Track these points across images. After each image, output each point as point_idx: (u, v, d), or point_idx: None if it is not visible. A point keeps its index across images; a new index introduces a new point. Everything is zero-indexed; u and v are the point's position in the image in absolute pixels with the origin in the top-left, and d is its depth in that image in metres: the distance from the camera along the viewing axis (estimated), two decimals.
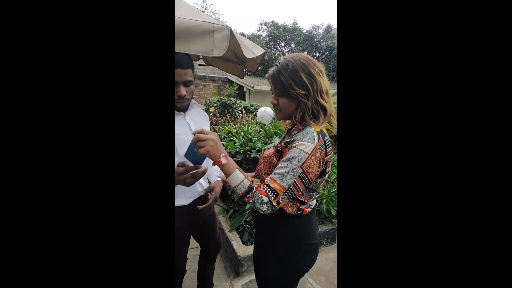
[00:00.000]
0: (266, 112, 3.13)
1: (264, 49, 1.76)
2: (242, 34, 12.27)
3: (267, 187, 0.69)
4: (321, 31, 12.67)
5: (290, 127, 0.81)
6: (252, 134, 2.46)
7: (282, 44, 12.70)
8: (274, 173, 0.70)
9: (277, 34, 12.23)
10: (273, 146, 0.83)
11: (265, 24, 12.90)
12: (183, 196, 0.97)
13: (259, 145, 2.11)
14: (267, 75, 0.77)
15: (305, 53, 5.32)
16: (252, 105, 6.31)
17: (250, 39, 12.35)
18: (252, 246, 1.73)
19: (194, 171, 0.79)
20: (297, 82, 0.71)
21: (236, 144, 2.25)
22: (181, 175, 0.78)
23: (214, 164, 0.69)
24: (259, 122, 3.39)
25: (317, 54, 12.62)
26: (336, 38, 12.37)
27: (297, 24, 12.45)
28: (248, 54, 1.12)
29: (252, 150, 2.11)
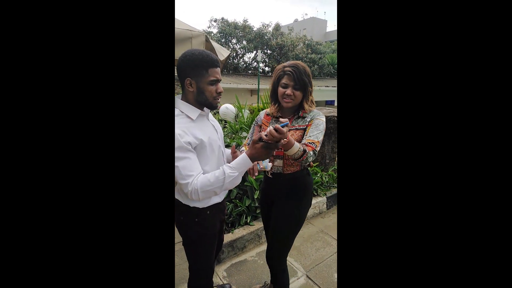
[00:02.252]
0: (228, 109, 3.24)
1: (228, 51, 1.88)
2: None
3: (310, 144, 1.03)
4: (270, 29, 13.11)
5: (291, 116, 1.14)
6: None
7: (234, 41, 12.78)
8: (310, 136, 1.05)
9: (229, 31, 12.26)
10: (292, 130, 1.11)
11: (215, 20, 12.79)
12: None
13: (228, 140, 2.23)
14: (289, 73, 1.07)
15: (259, 51, 5.55)
16: None
17: None
18: (230, 233, 1.87)
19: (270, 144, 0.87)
20: (310, 82, 1.09)
21: None
22: (268, 149, 0.86)
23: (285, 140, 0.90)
24: (222, 119, 3.48)
25: (269, 51, 13.05)
26: (284, 36, 12.95)
27: (247, 21, 12.66)
28: (220, 56, 1.24)
29: None
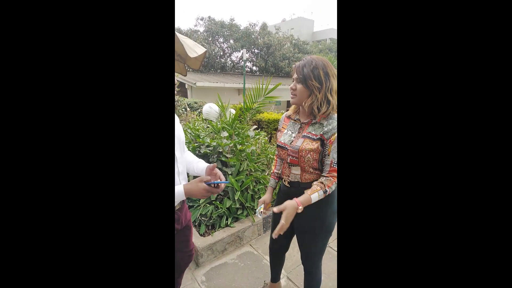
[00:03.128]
0: (211, 108, 3.17)
1: (205, 47, 1.82)
2: (178, 30, 11.72)
3: (333, 175, 0.93)
4: (257, 28, 13.07)
5: (308, 120, 1.01)
6: (199, 130, 2.50)
7: (221, 40, 12.65)
8: (334, 162, 0.92)
9: (215, 30, 12.11)
10: (308, 137, 0.98)
11: (201, 19, 12.61)
12: None
13: (208, 140, 2.18)
14: (294, 66, 0.97)
15: (244, 50, 5.51)
16: (196, 102, 6.21)
17: (187, 34, 11.80)
18: (209, 237, 1.82)
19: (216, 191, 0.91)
20: (315, 76, 0.91)
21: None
22: (209, 193, 0.87)
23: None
24: (205, 119, 3.41)
25: (256, 50, 13.02)
26: (271, 35, 12.95)
27: (234, 20, 12.55)
28: (191, 54, 1.18)
29: (201, 146, 2.17)
